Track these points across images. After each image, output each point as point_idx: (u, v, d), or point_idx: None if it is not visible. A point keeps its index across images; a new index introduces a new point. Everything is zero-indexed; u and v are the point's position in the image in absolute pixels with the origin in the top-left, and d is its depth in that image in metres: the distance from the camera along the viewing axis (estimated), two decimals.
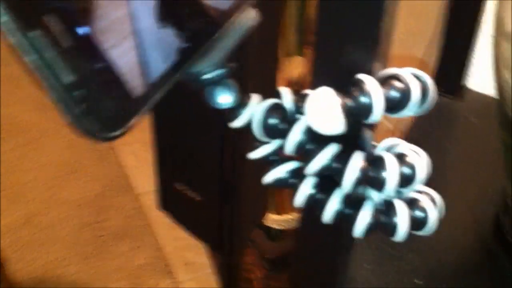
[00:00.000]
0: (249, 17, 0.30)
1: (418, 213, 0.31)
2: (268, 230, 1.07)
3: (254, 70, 0.55)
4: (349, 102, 0.27)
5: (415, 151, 0.31)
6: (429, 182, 0.31)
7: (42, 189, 1.62)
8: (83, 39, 0.24)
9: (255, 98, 0.32)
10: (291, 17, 1.09)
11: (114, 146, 1.68)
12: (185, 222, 0.75)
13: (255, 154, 0.32)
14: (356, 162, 0.30)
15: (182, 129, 0.68)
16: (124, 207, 1.54)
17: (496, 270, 0.52)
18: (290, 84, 1.08)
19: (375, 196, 0.31)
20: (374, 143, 0.32)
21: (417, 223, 0.31)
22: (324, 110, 0.27)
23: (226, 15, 0.29)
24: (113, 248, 1.44)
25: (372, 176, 0.30)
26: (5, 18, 0.21)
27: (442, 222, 0.32)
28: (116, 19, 0.25)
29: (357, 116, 0.28)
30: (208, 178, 0.69)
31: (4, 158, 1.64)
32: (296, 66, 1.08)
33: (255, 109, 0.31)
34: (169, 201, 0.72)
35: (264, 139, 0.32)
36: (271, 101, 0.32)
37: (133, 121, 0.26)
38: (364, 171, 0.30)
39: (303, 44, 1.08)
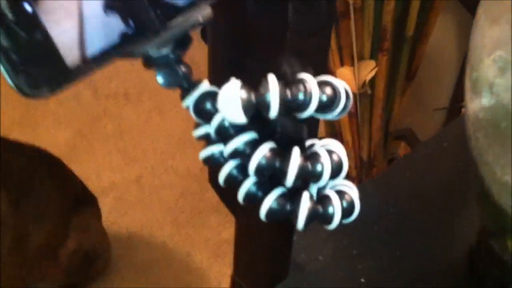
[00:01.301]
0: (203, 13, 0.34)
1: (346, 203, 0.34)
2: None
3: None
4: (254, 97, 0.31)
5: (339, 147, 0.34)
6: None
7: (156, 154, 1.72)
8: (29, 14, 0.29)
9: (205, 84, 0.35)
10: (368, 24, 1.10)
11: None
12: None
13: (194, 133, 0.37)
14: (295, 159, 0.33)
15: None
16: None
17: None
18: (362, 86, 1.09)
19: (312, 189, 0.34)
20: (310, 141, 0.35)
21: (347, 213, 0.34)
22: (228, 100, 0.31)
23: (180, 9, 0.33)
24: (205, 219, 1.51)
25: (310, 170, 0.33)
26: None
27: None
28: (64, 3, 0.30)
29: (293, 110, 0.32)
30: None
31: (131, 119, 1.75)
32: (368, 69, 1.09)
33: (195, 94, 0.35)
34: None
35: (200, 121, 0.36)
36: (209, 87, 0.35)
37: (64, 86, 0.30)
38: (303, 167, 0.33)
39: (378, 50, 1.09)
